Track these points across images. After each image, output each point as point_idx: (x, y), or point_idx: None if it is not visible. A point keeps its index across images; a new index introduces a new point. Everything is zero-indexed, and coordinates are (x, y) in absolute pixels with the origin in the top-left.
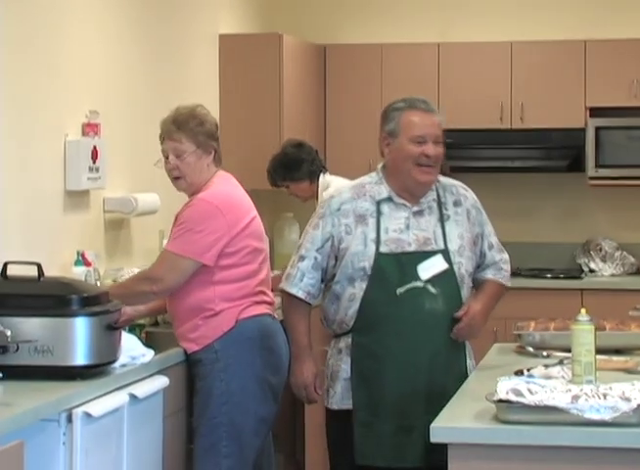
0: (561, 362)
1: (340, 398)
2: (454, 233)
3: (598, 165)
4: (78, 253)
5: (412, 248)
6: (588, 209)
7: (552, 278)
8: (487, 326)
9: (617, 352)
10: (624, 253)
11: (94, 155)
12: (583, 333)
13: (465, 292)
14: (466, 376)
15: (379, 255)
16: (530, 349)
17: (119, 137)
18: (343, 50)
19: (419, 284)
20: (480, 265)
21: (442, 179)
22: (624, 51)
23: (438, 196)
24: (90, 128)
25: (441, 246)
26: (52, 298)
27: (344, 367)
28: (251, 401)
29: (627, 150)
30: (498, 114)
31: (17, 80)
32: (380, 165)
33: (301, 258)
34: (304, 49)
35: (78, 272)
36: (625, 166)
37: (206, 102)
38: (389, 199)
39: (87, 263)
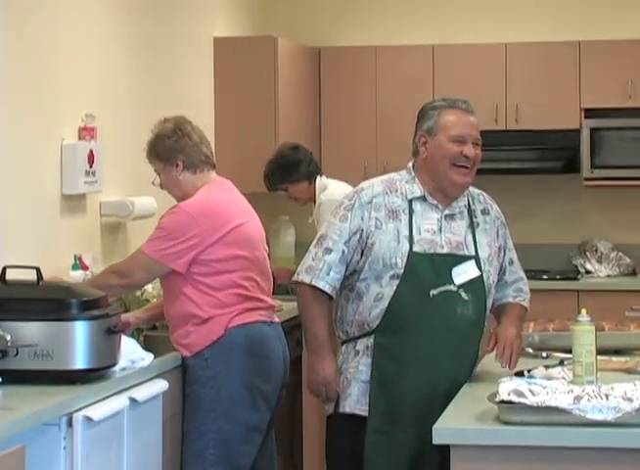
0: (561, 363)
1: (354, 400)
2: (484, 241)
3: (593, 166)
4: (75, 256)
5: (445, 250)
6: (584, 210)
7: (548, 279)
8: (486, 328)
9: (617, 352)
10: (620, 253)
11: (90, 158)
12: (584, 333)
13: (489, 302)
14: None
15: (412, 253)
16: (530, 350)
17: (116, 141)
18: (338, 52)
19: (452, 288)
20: (499, 281)
21: (470, 188)
22: (619, 52)
23: (469, 203)
24: (86, 132)
25: (473, 252)
26: (51, 302)
27: (363, 369)
28: (241, 410)
29: (622, 151)
30: (493, 115)
31: (13, 84)
32: (410, 164)
33: (328, 251)
34: (299, 52)
35: (76, 276)
36: (621, 167)
37: (201, 105)
38: (423, 198)
39: (84, 267)
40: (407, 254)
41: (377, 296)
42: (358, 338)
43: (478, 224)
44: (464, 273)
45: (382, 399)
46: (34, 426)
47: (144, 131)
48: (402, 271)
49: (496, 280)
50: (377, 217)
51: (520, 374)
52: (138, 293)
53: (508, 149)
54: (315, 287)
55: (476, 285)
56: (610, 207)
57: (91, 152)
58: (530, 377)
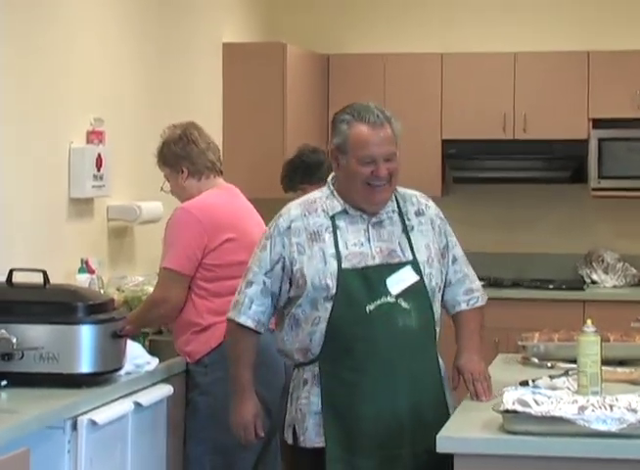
0: (566, 373)
1: (312, 434)
2: (421, 243)
3: (600, 177)
4: (82, 260)
5: (377, 261)
6: (590, 220)
7: (554, 289)
8: (489, 337)
9: (622, 363)
10: (626, 264)
11: (98, 162)
12: (589, 344)
13: (436, 306)
14: (445, 399)
15: (341, 271)
16: (535, 359)
17: (124, 145)
18: (347, 60)
19: (390, 299)
20: (446, 283)
21: (401, 189)
22: (627, 62)
23: (399, 206)
24: (95, 136)
25: (409, 257)
26: (57, 305)
27: (314, 400)
28: None
29: (630, 161)
30: (501, 124)
31: (21, 88)
32: (330, 178)
33: (249, 284)
34: (308, 58)
35: (82, 280)
36: (628, 178)
37: (210, 110)
38: (345, 212)
39: (91, 271)
40: (336, 272)
41: (314, 320)
42: (303, 366)
43: (412, 227)
44: (401, 281)
45: (337, 428)
46: (39, 429)
47: (152, 136)
48: (334, 291)
49: (443, 281)
50: (298, 243)
51: (524, 384)
52: (140, 293)
53: (515, 158)
54: (238, 323)
55: (417, 291)
56: (616, 217)
57: (99, 156)
58: (535, 387)
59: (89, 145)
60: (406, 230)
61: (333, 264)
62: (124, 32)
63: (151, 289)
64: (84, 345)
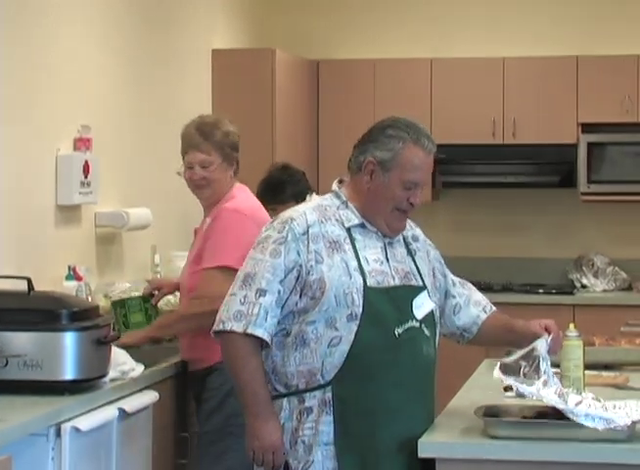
0: None
1: (319, 468)
2: (425, 270)
3: (590, 181)
4: (69, 267)
5: (396, 282)
6: (580, 224)
7: (544, 293)
8: None
9: (607, 367)
10: (616, 268)
11: (85, 169)
12: (572, 348)
13: (438, 337)
14: None
15: (368, 288)
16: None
17: (111, 152)
18: (337, 65)
19: (416, 324)
20: (454, 307)
21: None
22: (616, 67)
23: None
24: (82, 143)
25: (420, 282)
26: (41, 312)
27: (325, 430)
28: None
29: (619, 166)
30: (490, 129)
31: (8, 94)
32: (336, 186)
33: (261, 293)
34: (297, 64)
35: (69, 287)
36: (617, 182)
37: None
38: (361, 225)
39: (78, 278)
40: (362, 289)
41: (331, 341)
42: (305, 392)
43: (415, 252)
44: (422, 306)
45: (353, 460)
46: (22, 436)
47: (140, 143)
48: (361, 309)
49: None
50: (316, 250)
51: (508, 389)
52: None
53: (505, 163)
54: (251, 336)
55: (431, 318)
56: (606, 221)
57: (86, 163)
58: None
59: (76, 152)
60: (411, 254)
61: (358, 280)
62: (113, 39)
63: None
64: (68, 352)
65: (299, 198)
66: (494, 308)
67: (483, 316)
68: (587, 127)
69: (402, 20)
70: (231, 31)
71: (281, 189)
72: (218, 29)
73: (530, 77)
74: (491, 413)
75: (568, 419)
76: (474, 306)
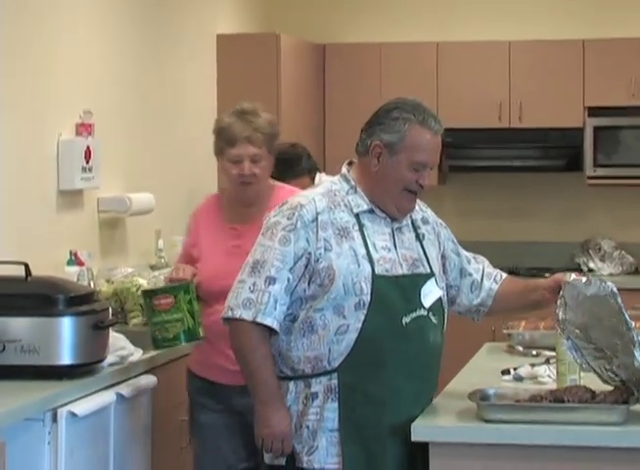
0: (547, 361)
1: (324, 454)
2: (433, 255)
3: (596, 165)
4: (71, 252)
5: (404, 270)
6: (587, 208)
7: None
8: (485, 324)
9: None
10: (623, 252)
11: (87, 155)
12: None
13: (446, 323)
14: None
15: (376, 277)
16: (520, 348)
17: (113, 137)
18: (343, 49)
19: (423, 312)
20: (472, 283)
21: None
22: (623, 50)
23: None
24: (84, 128)
25: (428, 269)
26: (38, 297)
27: (330, 416)
28: None
29: (626, 149)
30: (497, 113)
31: (10, 80)
32: (345, 170)
33: (271, 281)
34: (303, 48)
35: (71, 272)
36: (624, 166)
37: (204, 102)
38: (370, 211)
39: (80, 263)
40: (370, 277)
41: (339, 329)
42: (311, 377)
43: (423, 236)
44: (430, 294)
45: (357, 447)
46: (18, 421)
47: (142, 128)
48: (369, 298)
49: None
50: (325, 238)
51: (506, 372)
52: (134, 289)
53: (511, 147)
54: (260, 324)
55: (439, 306)
56: (613, 205)
57: (88, 148)
58: (516, 375)
59: (78, 137)
60: (419, 239)
61: (366, 268)
62: (116, 24)
63: (141, 280)
64: (65, 337)
65: (312, 173)
66: (504, 276)
67: (495, 287)
68: (594, 111)
69: (409, 3)
70: (236, 16)
71: (297, 162)
72: (223, 14)
73: (537, 61)
74: (486, 397)
75: (561, 403)
76: (486, 280)
